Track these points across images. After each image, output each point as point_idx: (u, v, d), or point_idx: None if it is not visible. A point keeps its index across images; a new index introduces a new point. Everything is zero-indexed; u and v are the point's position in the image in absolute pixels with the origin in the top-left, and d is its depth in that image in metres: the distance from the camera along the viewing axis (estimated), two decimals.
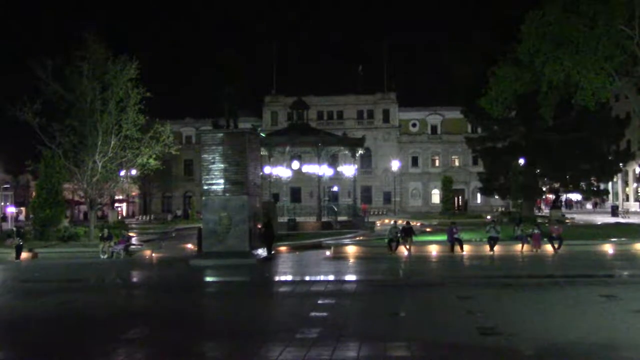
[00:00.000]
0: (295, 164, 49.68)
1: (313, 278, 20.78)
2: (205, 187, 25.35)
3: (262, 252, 26.05)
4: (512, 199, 48.54)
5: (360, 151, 47.53)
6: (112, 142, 33.55)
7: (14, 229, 29.98)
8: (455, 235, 26.65)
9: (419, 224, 42.94)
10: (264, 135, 42.26)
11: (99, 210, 42.77)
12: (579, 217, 52.31)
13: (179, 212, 71.84)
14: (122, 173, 37.03)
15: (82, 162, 34.06)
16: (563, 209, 56.33)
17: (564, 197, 65.18)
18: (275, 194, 51.72)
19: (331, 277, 20.91)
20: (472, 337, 11.44)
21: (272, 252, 26.49)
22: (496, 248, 26.13)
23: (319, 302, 15.46)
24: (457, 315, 13.52)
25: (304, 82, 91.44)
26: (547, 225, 32.16)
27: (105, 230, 28.93)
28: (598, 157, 46.08)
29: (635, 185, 68.09)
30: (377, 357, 10.34)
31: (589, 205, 75.48)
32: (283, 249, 29.22)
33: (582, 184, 49.76)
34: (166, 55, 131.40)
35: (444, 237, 28.13)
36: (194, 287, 19.56)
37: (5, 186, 73.13)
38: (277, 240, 31.06)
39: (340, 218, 42.93)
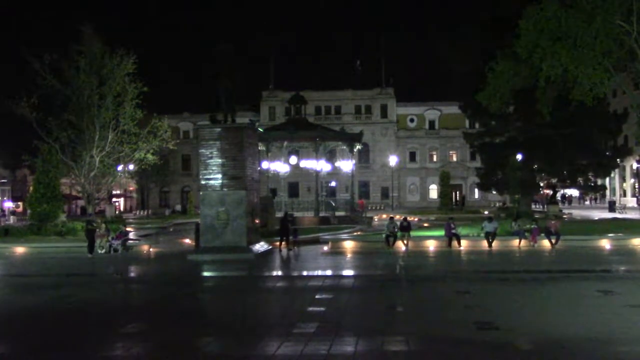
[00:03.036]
0: (293, 159, 49.70)
1: (310, 273, 20.82)
2: (203, 182, 25.32)
3: (259, 247, 26.07)
4: (509, 194, 48.64)
5: (358, 146, 47.54)
6: (110, 137, 33.56)
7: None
8: (453, 230, 26.70)
9: (416, 219, 42.97)
10: (261, 130, 42.28)
11: (96, 205, 42.68)
12: (577, 213, 52.44)
13: (178, 207, 71.65)
14: (120, 168, 37.03)
15: (79, 157, 34.07)
16: (563, 204, 56.30)
17: (562, 192, 65.18)
18: (273, 189, 51.77)
19: (329, 272, 20.91)
20: (469, 331, 11.46)
21: (286, 246, 26.82)
22: (494, 243, 26.18)
23: (317, 296, 15.47)
24: (455, 310, 13.55)
25: (301, 77, 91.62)
26: (544, 220, 32.22)
27: (103, 225, 28.90)
28: (595, 153, 46.12)
29: (632, 180, 68.20)
30: (375, 351, 10.35)
31: (588, 202, 75.60)
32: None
33: (580, 180, 49.83)
34: (164, 50, 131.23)
35: (441, 232, 28.18)
36: (191, 282, 19.55)
37: (3, 181, 73.24)
38: (274, 235, 31.13)
39: (338, 213, 42.96)
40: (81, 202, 58.65)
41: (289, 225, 27.59)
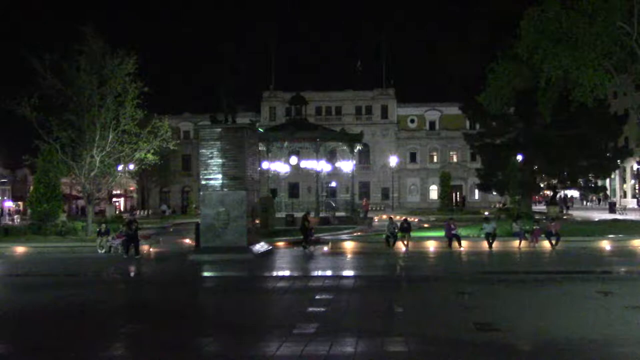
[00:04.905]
0: (294, 160, 49.69)
1: (311, 273, 20.82)
2: (204, 182, 25.32)
3: (259, 247, 26.08)
4: (509, 195, 48.75)
5: (359, 147, 47.54)
6: (110, 137, 33.50)
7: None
8: (453, 231, 26.69)
9: (416, 220, 42.96)
10: (262, 130, 42.26)
11: (96, 205, 42.69)
12: (577, 214, 52.38)
13: (165, 207, 71.06)
14: (120, 168, 36.99)
15: (79, 157, 34.00)
16: (566, 207, 56.17)
17: (564, 194, 65.01)
18: (273, 189, 51.75)
19: (329, 273, 20.93)
20: (469, 332, 11.45)
21: (307, 244, 26.96)
22: (494, 244, 26.16)
23: (317, 297, 15.46)
24: (455, 311, 13.54)
25: (302, 77, 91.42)
26: (544, 221, 32.23)
27: (103, 225, 28.88)
28: (596, 154, 46.16)
29: (632, 181, 68.18)
30: (375, 352, 10.34)
31: (589, 203, 75.45)
32: (281, 244, 29.23)
33: (580, 181, 49.87)
34: (164, 49, 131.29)
35: (441, 233, 28.18)
36: (191, 282, 19.57)
37: (3, 180, 73.24)
38: (274, 235, 31.17)
39: (338, 214, 42.96)
40: (81, 202, 58.61)
41: (306, 224, 27.72)
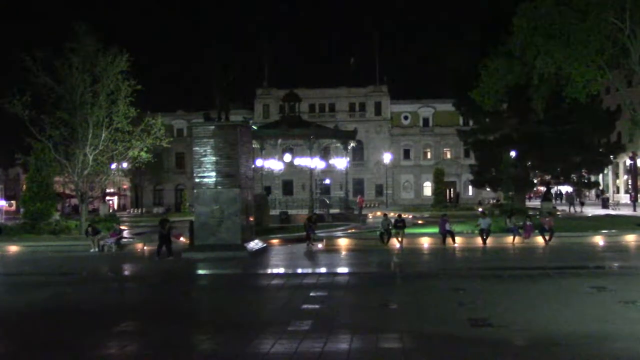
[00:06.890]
0: (287, 157, 49.67)
1: (305, 270, 20.80)
2: (197, 180, 25.27)
3: (254, 244, 26.06)
4: (503, 191, 48.86)
5: (352, 144, 47.57)
6: (103, 135, 33.34)
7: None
8: (447, 227, 26.73)
9: (410, 217, 43.01)
10: (255, 127, 42.17)
11: (90, 204, 42.49)
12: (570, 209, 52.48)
13: (158, 209, 70.75)
14: (113, 166, 36.85)
15: (72, 155, 33.83)
16: (582, 202, 56.09)
17: (576, 190, 64.89)
18: (267, 186, 51.77)
19: (323, 270, 20.92)
20: (463, 328, 11.48)
21: (310, 242, 27.19)
22: (488, 240, 26.23)
23: (311, 294, 15.46)
24: (449, 307, 13.56)
25: (296, 74, 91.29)
26: (538, 217, 32.33)
27: (90, 228, 28.38)
28: (589, 150, 46.30)
29: (625, 177, 68.41)
30: (369, 349, 10.35)
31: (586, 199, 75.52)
32: (275, 241, 29.21)
33: (573, 176, 50.01)
34: (158, 47, 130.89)
35: (435, 230, 28.21)
36: (186, 280, 19.54)
37: None
38: (269, 233, 31.17)
39: (332, 211, 42.98)
40: (74, 201, 58.35)
41: (307, 222, 27.82)
